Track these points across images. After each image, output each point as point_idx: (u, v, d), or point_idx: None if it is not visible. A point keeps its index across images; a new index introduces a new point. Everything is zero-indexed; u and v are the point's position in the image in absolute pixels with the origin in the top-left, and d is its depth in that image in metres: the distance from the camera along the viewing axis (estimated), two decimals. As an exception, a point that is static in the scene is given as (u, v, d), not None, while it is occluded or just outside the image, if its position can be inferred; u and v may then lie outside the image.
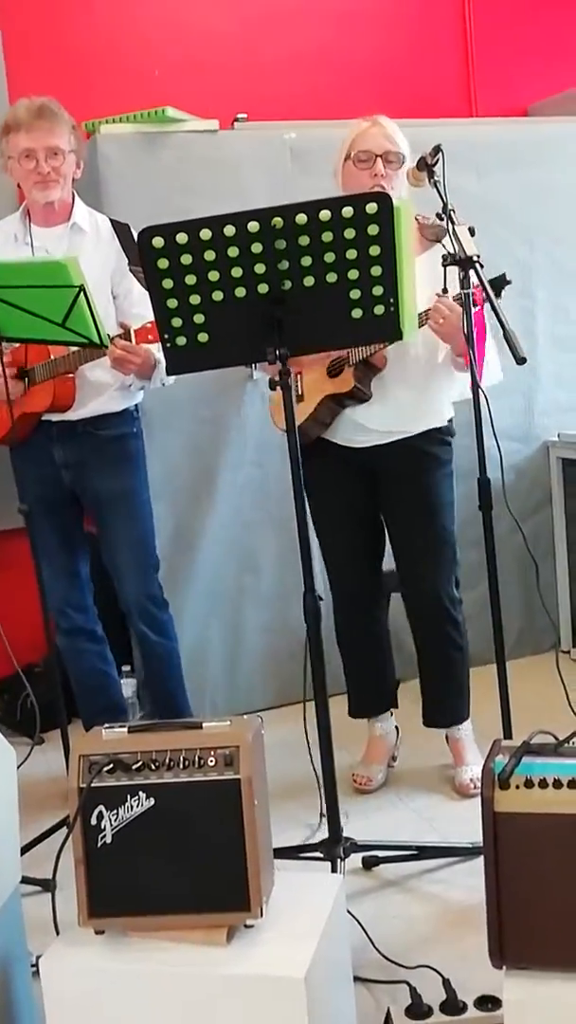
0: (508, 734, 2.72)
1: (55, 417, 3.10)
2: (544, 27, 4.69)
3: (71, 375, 3.04)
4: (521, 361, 2.60)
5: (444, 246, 2.71)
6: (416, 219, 2.84)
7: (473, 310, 2.68)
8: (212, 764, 1.89)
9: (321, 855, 2.52)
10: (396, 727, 3.39)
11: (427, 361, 2.99)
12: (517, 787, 1.86)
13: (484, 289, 2.67)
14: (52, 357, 2.99)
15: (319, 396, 3.05)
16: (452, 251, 2.66)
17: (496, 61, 4.63)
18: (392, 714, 3.38)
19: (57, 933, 2.05)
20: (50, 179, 2.98)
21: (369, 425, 3.05)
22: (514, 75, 4.65)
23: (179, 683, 3.37)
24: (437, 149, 2.72)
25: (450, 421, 3.13)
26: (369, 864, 2.77)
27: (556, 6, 4.70)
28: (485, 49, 4.60)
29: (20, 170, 3.00)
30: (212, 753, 1.90)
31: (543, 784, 1.86)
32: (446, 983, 2.22)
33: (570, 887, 1.84)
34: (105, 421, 3.16)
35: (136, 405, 3.25)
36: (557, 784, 1.85)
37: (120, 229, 3.05)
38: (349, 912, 2.24)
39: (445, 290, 2.72)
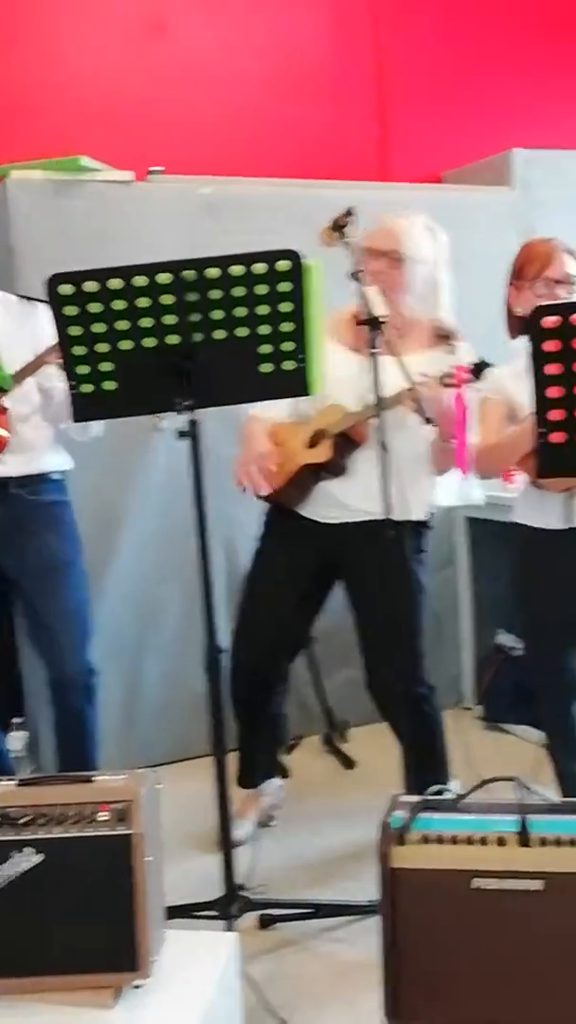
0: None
1: None
2: (460, 96, 4.81)
3: None
4: (428, 421, 2.64)
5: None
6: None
7: (454, 393, 2.62)
8: (104, 819, 1.86)
9: (216, 913, 2.47)
10: (280, 786, 3.37)
11: (412, 447, 2.81)
12: (414, 843, 1.86)
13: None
14: None
15: (294, 466, 2.97)
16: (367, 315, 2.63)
17: (411, 128, 4.74)
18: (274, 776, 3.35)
19: None
20: None
21: (345, 501, 2.93)
22: (428, 143, 4.77)
23: (96, 744, 3.20)
24: (349, 211, 2.76)
25: (432, 514, 3.02)
26: (266, 923, 2.72)
27: (472, 76, 4.83)
28: (400, 116, 4.72)
29: None
30: (104, 808, 1.86)
31: (440, 840, 1.86)
32: (340, 1044, 2.19)
33: (465, 944, 1.83)
34: (38, 485, 3.04)
35: (63, 472, 3.14)
36: (454, 840, 1.85)
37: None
38: (245, 972, 2.20)
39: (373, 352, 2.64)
